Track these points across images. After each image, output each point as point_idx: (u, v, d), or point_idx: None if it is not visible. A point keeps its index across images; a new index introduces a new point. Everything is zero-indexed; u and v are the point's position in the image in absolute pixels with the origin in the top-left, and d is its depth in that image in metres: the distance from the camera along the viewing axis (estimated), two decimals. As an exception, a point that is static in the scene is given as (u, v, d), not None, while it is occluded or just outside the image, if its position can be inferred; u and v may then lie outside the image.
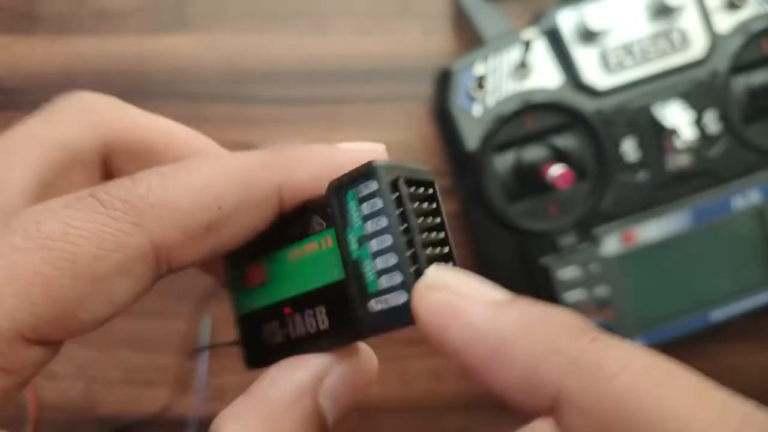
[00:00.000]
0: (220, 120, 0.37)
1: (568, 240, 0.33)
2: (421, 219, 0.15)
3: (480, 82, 0.32)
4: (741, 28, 0.33)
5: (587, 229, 0.33)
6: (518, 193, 0.33)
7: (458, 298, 0.13)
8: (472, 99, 0.32)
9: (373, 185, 0.14)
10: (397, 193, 0.14)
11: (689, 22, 0.33)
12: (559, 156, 0.33)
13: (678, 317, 0.34)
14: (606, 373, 0.12)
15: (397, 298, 0.14)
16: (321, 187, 0.15)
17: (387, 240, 0.14)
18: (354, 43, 0.38)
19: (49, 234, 0.13)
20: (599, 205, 0.33)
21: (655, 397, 0.11)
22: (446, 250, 0.15)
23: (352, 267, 0.15)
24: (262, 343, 0.17)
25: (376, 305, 0.14)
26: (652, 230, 0.33)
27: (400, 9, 0.38)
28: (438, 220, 0.15)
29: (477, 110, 0.32)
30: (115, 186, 0.14)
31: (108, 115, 0.18)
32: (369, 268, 0.15)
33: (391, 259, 0.14)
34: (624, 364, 0.12)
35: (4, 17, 0.38)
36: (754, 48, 0.33)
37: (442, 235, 0.15)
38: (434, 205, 0.15)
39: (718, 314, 0.34)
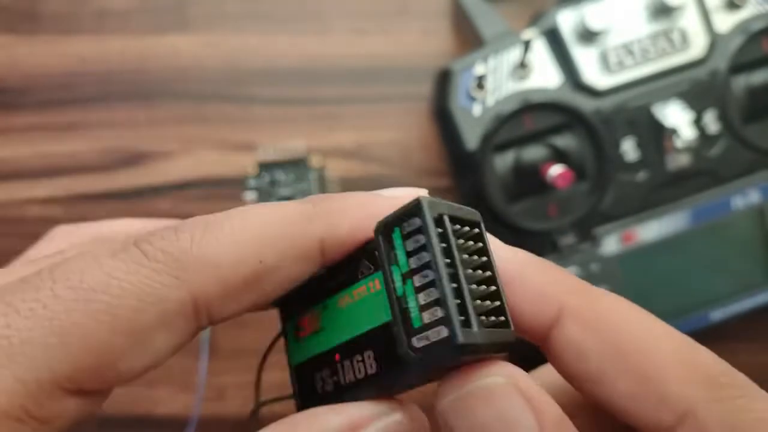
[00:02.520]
0: (220, 120, 0.37)
1: (568, 240, 0.33)
2: (466, 256, 0.15)
3: (480, 82, 0.32)
4: (741, 27, 0.33)
5: (587, 229, 0.33)
6: (518, 193, 0.33)
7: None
8: (472, 99, 0.32)
9: (416, 221, 0.14)
10: (440, 229, 0.14)
11: (689, 21, 0.33)
12: (559, 156, 0.33)
13: (678, 317, 0.34)
14: (599, 294, 0.15)
15: (439, 333, 0.13)
16: (365, 236, 0.15)
17: (429, 274, 0.14)
18: (354, 43, 0.38)
19: (92, 285, 0.13)
20: (599, 205, 0.33)
21: (636, 317, 0.15)
22: (493, 288, 0.15)
23: (397, 304, 0.14)
24: (316, 393, 0.17)
25: (418, 342, 0.14)
26: (652, 230, 0.33)
27: (400, 9, 0.38)
28: (484, 258, 0.15)
29: (477, 110, 0.32)
30: (159, 237, 0.14)
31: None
32: (413, 304, 0.14)
33: (433, 293, 0.14)
34: (617, 295, 0.15)
35: (5, 17, 0.38)
36: (754, 48, 0.33)
37: (488, 273, 0.15)
38: (480, 245, 0.15)
39: (718, 314, 0.34)
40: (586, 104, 0.32)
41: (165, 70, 0.37)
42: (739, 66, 0.33)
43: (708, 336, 0.35)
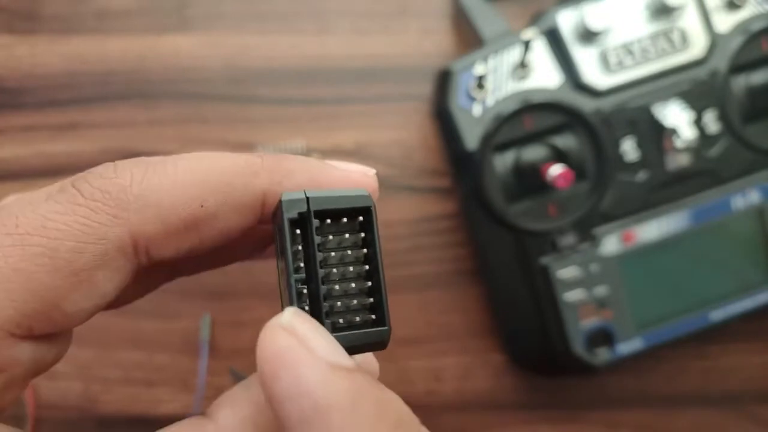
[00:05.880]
0: (220, 120, 0.37)
1: (567, 240, 0.33)
2: (334, 254, 0.14)
3: (480, 82, 0.32)
4: (741, 27, 0.33)
5: (587, 229, 0.33)
6: (518, 193, 0.33)
7: (300, 348, 0.12)
8: (472, 99, 0.32)
9: (280, 220, 0.14)
10: (297, 229, 0.14)
11: (689, 21, 0.33)
12: (559, 156, 0.33)
13: (678, 317, 0.34)
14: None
15: None
16: None
17: (284, 276, 0.14)
18: (354, 43, 0.38)
19: (28, 229, 0.13)
20: (599, 205, 0.33)
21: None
22: (368, 284, 0.15)
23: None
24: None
25: None
26: (651, 230, 0.33)
27: (400, 9, 0.38)
28: (365, 251, 0.15)
29: (477, 110, 0.32)
30: (98, 175, 0.14)
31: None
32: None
33: (287, 297, 0.14)
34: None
35: (5, 17, 0.38)
36: (754, 48, 0.33)
37: (365, 267, 0.15)
38: (363, 235, 0.15)
39: (718, 314, 0.34)
40: (586, 104, 0.32)
41: (165, 70, 0.37)
42: (739, 66, 0.33)
43: (708, 336, 0.35)
